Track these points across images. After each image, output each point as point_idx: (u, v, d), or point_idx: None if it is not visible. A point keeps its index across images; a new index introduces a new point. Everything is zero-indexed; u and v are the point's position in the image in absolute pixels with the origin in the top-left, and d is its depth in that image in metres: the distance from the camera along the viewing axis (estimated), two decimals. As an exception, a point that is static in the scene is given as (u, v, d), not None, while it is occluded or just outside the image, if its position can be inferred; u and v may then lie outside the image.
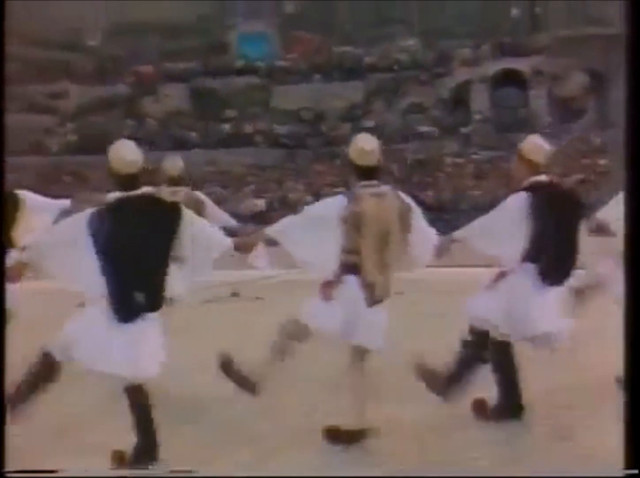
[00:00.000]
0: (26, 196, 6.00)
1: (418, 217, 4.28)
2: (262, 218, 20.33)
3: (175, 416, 4.62)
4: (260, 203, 24.44)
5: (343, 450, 4.17)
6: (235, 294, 10.45)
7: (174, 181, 6.76)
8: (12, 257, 4.61)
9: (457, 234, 4.64)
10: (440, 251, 4.47)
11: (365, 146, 4.22)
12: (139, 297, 3.81)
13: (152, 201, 3.97)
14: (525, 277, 4.44)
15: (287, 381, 4.70)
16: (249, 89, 33.16)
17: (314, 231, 4.10)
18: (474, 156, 27.27)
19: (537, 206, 4.40)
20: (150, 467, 3.87)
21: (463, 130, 29.23)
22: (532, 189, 4.46)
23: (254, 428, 4.63)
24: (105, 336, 3.80)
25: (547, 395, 4.95)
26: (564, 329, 4.50)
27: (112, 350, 3.79)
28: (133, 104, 33.14)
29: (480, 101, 30.94)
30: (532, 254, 4.42)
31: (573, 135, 27.30)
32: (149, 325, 3.88)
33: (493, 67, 31.46)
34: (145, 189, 3.97)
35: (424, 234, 4.30)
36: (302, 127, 30.26)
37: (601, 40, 29.73)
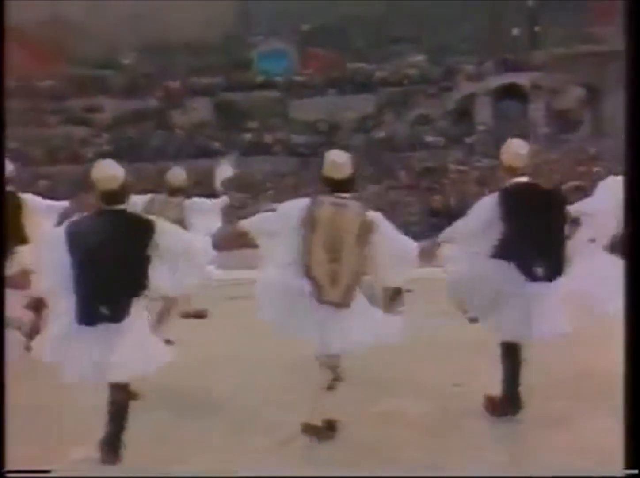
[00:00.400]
0: (28, 198, 5.98)
1: (385, 233, 4.10)
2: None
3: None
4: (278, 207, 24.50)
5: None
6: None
7: (175, 191, 6.69)
8: (17, 263, 4.57)
9: (441, 236, 4.53)
10: (427, 255, 4.35)
11: (336, 159, 4.12)
12: (103, 309, 3.73)
13: (124, 217, 3.90)
14: (495, 272, 4.28)
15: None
16: (268, 102, 33.20)
17: (279, 224, 4.09)
18: (477, 164, 27.11)
19: (507, 205, 4.26)
20: (114, 462, 3.83)
21: (467, 140, 29.11)
22: (505, 190, 4.34)
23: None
24: (70, 340, 3.76)
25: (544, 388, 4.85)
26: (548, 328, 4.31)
27: (76, 354, 3.75)
28: (162, 117, 33.27)
29: (483, 112, 30.83)
30: (503, 251, 4.26)
31: (570, 145, 27.14)
32: (115, 333, 3.77)
33: (495, 82, 31.34)
34: (121, 206, 3.90)
35: (392, 248, 4.10)
36: (317, 138, 30.24)
37: (595, 57, 29.60)
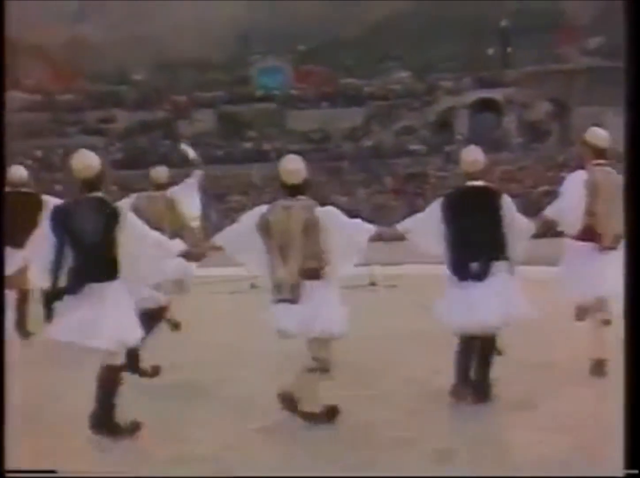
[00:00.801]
0: (49, 200, 5.97)
1: (333, 224, 4.00)
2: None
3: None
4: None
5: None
6: (254, 286, 10.40)
7: (159, 187, 6.65)
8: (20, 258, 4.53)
9: (400, 226, 4.45)
10: (382, 238, 4.27)
11: (289, 166, 4.05)
12: (83, 277, 3.77)
13: (97, 203, 3.90)
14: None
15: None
16: (266, 114, 33.19)
17: (246, 236, 4.04)
18: (456, 171, 27.17)
19: (448, 208, 4.21)
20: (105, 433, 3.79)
21: (447, 148, 29.12)
22: (450, 194, 4.30)
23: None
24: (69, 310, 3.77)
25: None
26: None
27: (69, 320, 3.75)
28: (170, 127, 33.21)
29: (461, 124, 30.90)
30: (448, 253, 4.22)
31: (540, 153, 27.20)
32: (101, 301, 3.77)
33: (472, 96, 31.42)
34: (98, 193, 3.91)
35: (341, 238, 4.01)
36: (311, 146, 30.24)
37: (562, 74, 29.76)
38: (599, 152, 4.67)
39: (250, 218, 4.10)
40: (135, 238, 3.88)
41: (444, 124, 31.09)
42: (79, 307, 3.75)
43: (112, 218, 3.85)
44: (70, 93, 34.82)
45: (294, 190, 4.02)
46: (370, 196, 24.69)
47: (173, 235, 5.21)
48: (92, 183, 3.90)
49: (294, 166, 4.06)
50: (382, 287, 9.54)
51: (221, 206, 22.93)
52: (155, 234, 4.07)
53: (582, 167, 4.71)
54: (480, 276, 4.14)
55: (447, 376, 4.34)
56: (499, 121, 30.60)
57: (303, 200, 4.02)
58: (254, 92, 35.23)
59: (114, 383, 3.87)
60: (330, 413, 4.04)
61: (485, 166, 4.35)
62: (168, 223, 5.78)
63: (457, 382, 4.28)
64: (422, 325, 6.05)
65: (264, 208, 4.06)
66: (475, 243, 4.16)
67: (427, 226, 4.30)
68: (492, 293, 4.14)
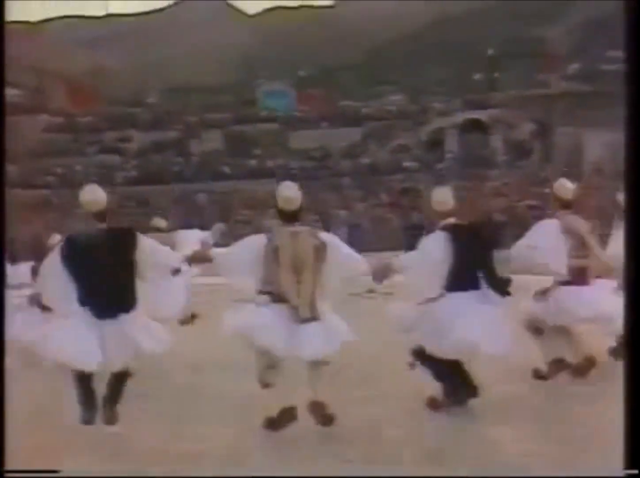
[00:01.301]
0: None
1: (336, 251, 3.94)
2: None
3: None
4: (279, 222, 24.43)
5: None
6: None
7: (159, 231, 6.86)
8: None
9: (395, 265, 4.18)
10: (378, 278, 4.11)
11: (288, 194, 3.96)
12: (103, 303, 3.70)
13: (109, 232, 3.84)
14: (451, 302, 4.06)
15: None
16: (270, 133, 33.28)
17: (243, 262, 3.91)
18: (447, 186, 27.17)
19: (452, 241, 4.09)
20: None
21: (438, 165, 29.23)
22: (446, 228, 4.16)
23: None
24: (81, 334, 3.68)
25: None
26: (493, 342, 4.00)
27: (85, 344, 3.64)
28: (181, 146, 33.31)
29: (451, 143, 30.98)
30: (450, 282, 4.07)
31: (524, 170, 27.25)
32: (119, 325, 3.70)
33: (461, 117, 31.52)
34: (103, 225, 3.85)
35: (341, 265, 3.93)
36: (312, 163, 30.32)
37: (544, 97, 29.91)
38: (566, 203, 4.72)
39: (249, 243, 3.97)
40: (151, 257, 3.83)
41: (435, 143, 31.20)
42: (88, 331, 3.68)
43: (130, 240, 3.80)
44: (90, 115, 35.02)
45: (292, 216, 3.95)
46: (368, 210, 24.72)
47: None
48: (102, 215, 3.84)
49: (291, 194, 3.97)
50: (380, 294, 9.52)
51: (228, 219, 22.96)
52: (165, 249, 4.03)
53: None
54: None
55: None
56: (486, 140, 30.70)
57: (304, 226, 3.96)
58: (258, 114, 35.36)
59: (122, 384, 3.86)
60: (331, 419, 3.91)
61: (454, 206, 4.26)
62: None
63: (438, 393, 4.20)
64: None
65: (262, 236, 3.94)
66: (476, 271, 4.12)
67: (426, 261, 4.11)
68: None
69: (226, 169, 30.67)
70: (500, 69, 37.02)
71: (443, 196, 4.31)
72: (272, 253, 3.85)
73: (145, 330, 3.77)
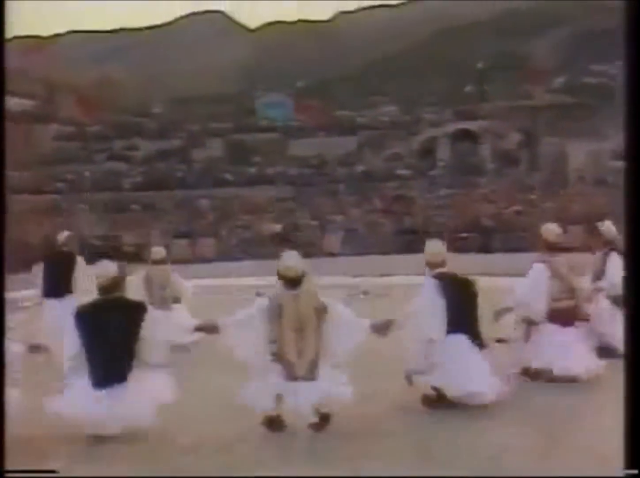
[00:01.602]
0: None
1: (336, 314, 3.98)
2: (277, 238, 20.39)
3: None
4: (277, 227, 24.40)
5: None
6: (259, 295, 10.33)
7: (158, 262, 6.79)
8: None
9: (399, 321, 4.21)
10: (380, 331, 4.11)
11: (287, 263, 4.00)
12: (108, 371, 3.79)
13: (120, 302, 3.97)
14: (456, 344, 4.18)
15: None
16: (270, 142, 33.33)
17: (248, 329, 3.94)
18: (438, 192, 27.25)
19: (443, 288, 4.21)
20: None
21: (430, 173, 29.29)
22: (437, 277, 4.28)
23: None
24: (89, 399, 3.74)
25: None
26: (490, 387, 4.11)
27: (95, 408, 3.71)
28: (185, 154, 33.33)
29: (442, 151, 31.06)
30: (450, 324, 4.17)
31: (511, 177, 27.31)
32: (122, 390, 3.78)
33: (452, 127, 31.61)
34: (118, 293, 3.98)
35: (345, 324, 3.97)
36: (309, 171, 30.35)
37: (530, 109, 30.07)
38: (553, 245, 4.81)
39: (256, 309, 3.98)
40: (156, 327, 3.92)
41: (427, 152, 31.28)
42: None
43: (138, 312, 3.90)
44: (98, 125, 35.03)
45: (294, 282, 3.97)
46: (363, 215, 24.73)
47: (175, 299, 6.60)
48: (110, 286, 3.96)
49: (292, 263, 4.00)
50: (374, 295, 9.55)
51: (229, 224, 22.96)
52: (175, 317, 4.06)
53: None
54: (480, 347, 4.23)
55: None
56: (476, 149, 30.79)
57: (302, 289, 3.96)
58: (258, 123, 35.43)
59: None
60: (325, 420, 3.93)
61: (445, 258, 4.37)
62: (170, 289, 6.70)
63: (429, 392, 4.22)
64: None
65: (264, 301, 3.98)
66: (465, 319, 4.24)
67: (425, 307, 4.22)
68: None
69: (227, 176, 30.68)
70: (490, 82, 37.15)
71: (436, 248, 4.40)
72: (276, 313, 3.89)
73: (132, 402, 3.77)
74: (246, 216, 25.00)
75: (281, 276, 4.01)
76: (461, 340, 4.16)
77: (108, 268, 4.03)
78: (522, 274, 5.00)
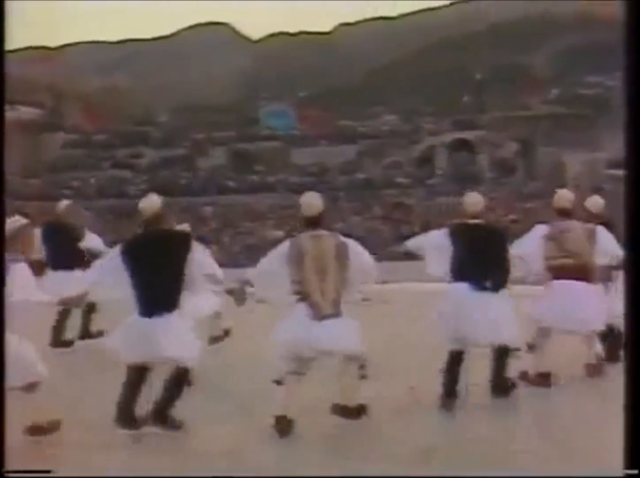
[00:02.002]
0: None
1: (356, 251, 4.01)
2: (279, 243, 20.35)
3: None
4: (279, 233, 24.46)
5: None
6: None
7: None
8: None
9: (407, 245, 4.62)
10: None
11: (308, 200, 4.06)
12: (157, 301, 3.77)
13: (165, 233, 3.98)
14: (458, 290, 4.29)
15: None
16: (272, 150, 33.42)
17: (275, 273, 3.95)
18: (437, 200, 27.30)
19: (454, 237, 4.34)
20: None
21: (428, 181, 29.35)
22: (451, 226, 4.44)
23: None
24: (135, 329, 3.76)
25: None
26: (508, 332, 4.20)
27: (138, 338, 3.73)
28: (189, 162, 33.41)
29: (441, 160, 31.14)
30: (456, 273, 4.30)
31: (508, 186, 27.38)
32: (169, 321, 3.76)
33: (450, 137, 31.70)
34: (162, 226, 3.99)
35: (362, 262, 4.02)
36: (311, 178, 30.41)
37: (526, 119, 30.12)
38: (562, 210, 4.83)
39: (278, 254, 3.98)
40: (200, 263, 3.90)
41: (426, 160, 31.36)
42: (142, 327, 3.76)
43: (184, 244, 3.88)
44: (104, 133, 35.15)
45: (314, 222, 4.01)
46: (362, 222, 24.77)
47: None
48: (153, 219, 3.96)
49: (312, 200, 4.07)
50: (375, 302, 9.54)
51: (232, 230, 23.00)
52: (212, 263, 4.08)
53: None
54: (497, 289, 4.31)
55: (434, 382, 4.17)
56: (474, 158, 30.86)
57: (323, 230, 4.00)
58: (261, 132, 35.52)
59: (183, 382, 3.84)
60: (362, 410, 3.94)
61: (484, 208, 4.52)
62: None
63: (444, 394, 4.19)
64: (410, 334, 5.97)
65: (286, 243, 3.99)
66: (490, 265, 4.31)
67: (431, 249, 4.46)
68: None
69: (230, 184, 30.75)
70: (487, 93, 37.26)
71: (474, 199, 4.54)
72: (297, 256, 3.91)
73: (175, 336, 3.76)
74: (249, 223, 25.04)
75: (303, 217, 4.06)
76: (463, 288, 4.25)
77: (152, 200, 4.03)
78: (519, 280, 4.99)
